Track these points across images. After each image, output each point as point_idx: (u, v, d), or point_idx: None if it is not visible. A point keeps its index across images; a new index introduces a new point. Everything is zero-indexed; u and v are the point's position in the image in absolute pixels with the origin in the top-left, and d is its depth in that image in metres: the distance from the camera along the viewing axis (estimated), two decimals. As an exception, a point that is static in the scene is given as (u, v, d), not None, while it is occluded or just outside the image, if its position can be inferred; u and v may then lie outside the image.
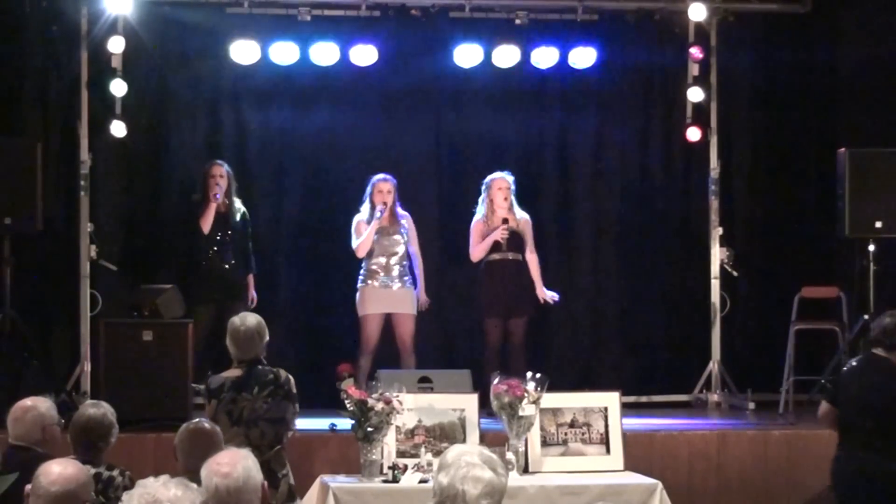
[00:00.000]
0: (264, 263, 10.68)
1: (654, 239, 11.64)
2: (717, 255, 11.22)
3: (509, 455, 7.06)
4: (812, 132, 11.62)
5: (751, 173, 11.83)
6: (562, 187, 11.64)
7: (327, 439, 8.49)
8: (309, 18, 10.87)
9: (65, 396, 9.60)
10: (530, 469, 7.31)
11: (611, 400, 7.58)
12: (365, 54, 10.83)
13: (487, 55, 10.95)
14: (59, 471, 4.38)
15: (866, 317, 10.01)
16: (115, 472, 5.76)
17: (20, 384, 9.35)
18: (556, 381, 7.53)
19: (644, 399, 11.03)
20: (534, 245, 10.26)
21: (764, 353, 11.25)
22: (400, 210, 10.19)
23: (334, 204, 11.03)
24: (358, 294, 10.10)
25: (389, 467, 7.03)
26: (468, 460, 3.96)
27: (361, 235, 10.03)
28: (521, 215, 10.27)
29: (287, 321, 11.02)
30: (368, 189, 10.10)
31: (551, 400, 7.36)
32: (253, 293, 10.30)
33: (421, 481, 6.85)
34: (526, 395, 7.15)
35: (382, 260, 10.05)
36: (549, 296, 10.23)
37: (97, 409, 5.94)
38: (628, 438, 7.78)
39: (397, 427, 7.19)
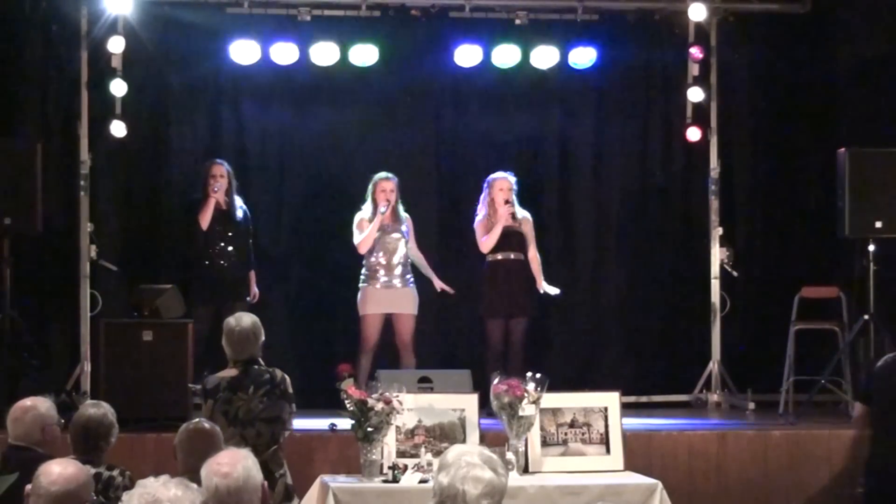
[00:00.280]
0: (264, 263, 10.67)
1: (653, 239, 11.63)
2: (717, 255, 11.22)
3: (509, 455, 7.05)
4: (812, 132, 11.61)
5: (751, 173, 11.83)
6: (561, 187, 11.64)
7: (327, 439, 8.48)
8: (309, 18, 10.87)
9: (65, 396, 9.60)
10: (530, 469, 7.30)
11: (611, 400, 7.56)
12: (365, 54, 10.84)
13: (487, 55, 10.96)
14: (59, 471, 4.38)
15: (866, 317, 10.01)
16: (115, 472, 5.76)
17: (20, 384, 9.36)
18: (556, 382, 7.52)
19: (644, 399, 11.03)
20: (535, 244, 10.27)
21: (764, 353, 11.24)
22: (401, 211, 10.20)
23: (334, 204, 11.01)
24: (359, 294, 10.11)
25: (389, 467, 7.02)
26: (468, 460, 3.96)
27: (364, 231, 10.03)
28: (523, 214, 10.28)
29: (287, 321, 11.04)
30: (370, 187, 10.09)
31: (551, 400, 7.34)
32: (255, 289, 10.28)
33: (421, 481, 6.84)
34: (526, 395, 7.14)
35: (384, 258, 10.06)
36: (550, 290, 10.23)
37: (97, 409, 5.95)
38: (628, 438, 7.76)
39: (397, 427, 7.17)
